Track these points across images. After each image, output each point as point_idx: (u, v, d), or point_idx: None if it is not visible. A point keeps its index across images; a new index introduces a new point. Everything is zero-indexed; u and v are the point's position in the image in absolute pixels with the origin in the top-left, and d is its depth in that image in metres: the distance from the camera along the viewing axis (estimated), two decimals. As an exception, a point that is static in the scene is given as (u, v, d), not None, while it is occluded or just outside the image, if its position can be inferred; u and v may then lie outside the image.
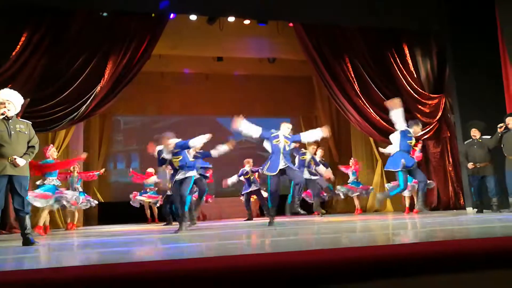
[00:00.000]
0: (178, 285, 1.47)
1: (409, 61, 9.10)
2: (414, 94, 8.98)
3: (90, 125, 10.63)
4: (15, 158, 3.88)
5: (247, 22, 9.03)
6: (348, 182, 9.72)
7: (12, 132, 3.95)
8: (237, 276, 1.51)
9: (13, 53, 7.03)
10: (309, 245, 2.88)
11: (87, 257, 2.85)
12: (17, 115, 4.23)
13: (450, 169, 8.79)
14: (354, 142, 11.47)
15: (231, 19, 8.73)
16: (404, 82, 8.99)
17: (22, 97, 4.20)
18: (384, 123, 8.98)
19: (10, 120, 4.00)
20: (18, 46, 7.08)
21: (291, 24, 9.04)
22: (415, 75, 9.08)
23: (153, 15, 8.03)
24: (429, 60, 9.23)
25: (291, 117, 13.49)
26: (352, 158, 10.24)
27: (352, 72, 8.94)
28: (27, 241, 3.92)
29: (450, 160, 8.85)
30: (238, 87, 12.22)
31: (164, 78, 11.61)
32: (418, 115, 9.02)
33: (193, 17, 8.63)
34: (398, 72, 9.03)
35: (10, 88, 4.35)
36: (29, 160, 4.06)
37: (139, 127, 12.26)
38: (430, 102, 8.99)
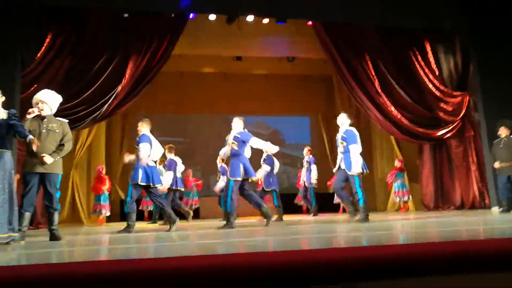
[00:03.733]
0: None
1: (431, 59, 8.93)
2: (436, 92, 8.81)
3: (111, 124, 10.83)
4: (43, 156, 4.00)
5: (266, 21, 9.02)
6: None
7: (43, 131, 4.10)
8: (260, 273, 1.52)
9: (38, 55, 7.22)
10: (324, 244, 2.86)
11: (112, 252, 2.90)
12: None
13: (474, 168, 8.57)
14: (375, 141, 11.33)
15: (250, 18, 8.74)
16: (426, 79, 8.83)
17: (59, 97, 4.35)
18: (406, 121, 8.85)
19: (45, 119, 4.14)
20: (43, 48, 7.28)
21: (310, 23, 8.99)
22: (437, 73, 8.91)
23: (172, 15, 8.11)
24: (452, 57, 9.03)
25: (310, 116, 13.45)
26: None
27: (372, 70, 8.84)
28: (54, 237, 4.03)
29: (474, 159, 8.63)
30: (257, 86, 12.23)
31: (184, 77, 11.72)
32: (441, 114, 8.85)
33: (212, 16, 8.67)
34: (420, 69, 8.87)
35: (36, 88, 4.49)
36: (58, 158, 4.15)
37: (161, 126, 12.40)
38: (453, 100, 8.80)
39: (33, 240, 4.25)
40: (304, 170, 8.79)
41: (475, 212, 7.47)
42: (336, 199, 10.45)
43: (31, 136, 3.75)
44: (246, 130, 5.68)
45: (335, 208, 10.83)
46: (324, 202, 10.62)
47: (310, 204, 8.89)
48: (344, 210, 10.44)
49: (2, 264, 2.31)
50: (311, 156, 8.60)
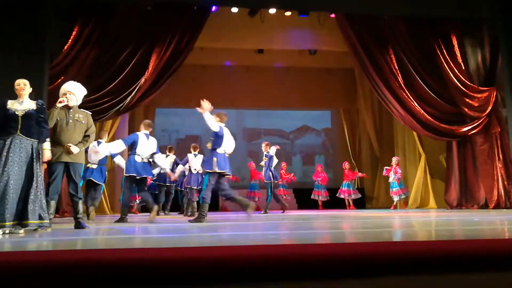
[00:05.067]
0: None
1: (457, 52, 8.69)
2: (461, 86, 8.58)
3: (134, 116, 11.02)
4: (69, 146, 4.13)
5: (288, 13, 8.98)
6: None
7: (70, 121, 4.23)
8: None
9: (65, 47, 7.42)
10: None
11: (134, 241, 2.99)
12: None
13: (500, 166, 8.33)
14: (397, 136, 11.16)
15: (272, 11, 8.72)
16: (451, 74, 8.61)
17: (84, 90, 4.48)
18: (429, 117, 8.68)
19: (71, 110, 4.28)
20: (70, 41, 7.47)
21: (332, 15, 8.90)
22: (463, 67, 8.67)
23: (195, 8, 8.16)
24: (480, 51, 8.77)
25: (331, 109, 13.34)
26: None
27: (395, 64, 8.69)
28: (79, 225, 4.18)
29: (500, 156, 8.37)
30: (278, 79, 12.20)
31: (206, 70, 11.79)
32: (466, 109, 8.63)
33: (234, 9, 8.69)
34: (445, 63, 8.66)
35: (62, 80, 4.62)
36: (83, 148, 4.29)
37: (181, 119, 12.56)
38: (479, 95, 8.55)
39: (59, 228, 4.42)
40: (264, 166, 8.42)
41: (500, 211, 7.29)
42: (340, 194, 10.51)
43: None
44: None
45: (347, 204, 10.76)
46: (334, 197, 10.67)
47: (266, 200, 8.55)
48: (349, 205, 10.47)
49: (32, 249, 2.42)
50: (269, 151, 8.29)
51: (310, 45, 10.86)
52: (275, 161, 8.33)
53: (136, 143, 5.52)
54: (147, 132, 5.68)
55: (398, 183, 9.75)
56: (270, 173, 8.13)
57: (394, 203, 9.89)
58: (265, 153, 8.29)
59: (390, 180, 9.84)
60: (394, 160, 9.94)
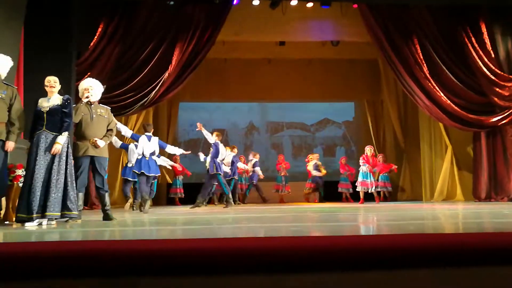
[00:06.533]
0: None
1: (486, 40, 8.39)
2: (490, 75, 8.29)
3: (158, 111, 11.18)
4: (95, 140, 4.27)
5: (310, 5, 8.86)
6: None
7: (94, 116, 4.36)
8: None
9: (91, 43, 7.59)
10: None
11: (157, 233, 3.06)
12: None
13: (532, 157, 8.04)
14: (422, 128, 10.91)
15: (293, 2, 8.64)
16: (480, 62, 8.32)
17: (102, 86, 4.60)
18: (456, 108, 8.45)
19: (92, 105, 4.41)
20: (96, 37, 7.64)
21: (355, 5, 8.74)
22: (493, 55, 8.36)
23: (217, 1, 8.18)
24: (510, 38, 8.43)
25: (355, 101, 13.16)
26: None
27: (420, 54, 8.47)
28: (107, 217, 4.31)
29: (532, 147, 8.09)
30: (301, 71, 12.10)
31: (228, 64, 11.82)
32: (495, 99, 8.35)
33: (256, 2, 8.66)
34: (473, 52, 8.37)
35: (89, 76, 4.75)
36: (108, 142, 4.44)
37: (208, 113, 12.67)
38: (509, 84, 8.25)
39: (88, 219, 4.56)
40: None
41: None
42: (377, 188, 9.90)
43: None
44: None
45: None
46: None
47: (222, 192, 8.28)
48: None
49: (64, 239, 2.52)
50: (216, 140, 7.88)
51: (332, 36, 10.70)
52: (222, 153, 7.85)
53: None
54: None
55: (375, 176, 9.00)
56: (214, 164, 7.66)
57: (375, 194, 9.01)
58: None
59: (364, 170, 8.89)
60: (368, 149, 9.11)
